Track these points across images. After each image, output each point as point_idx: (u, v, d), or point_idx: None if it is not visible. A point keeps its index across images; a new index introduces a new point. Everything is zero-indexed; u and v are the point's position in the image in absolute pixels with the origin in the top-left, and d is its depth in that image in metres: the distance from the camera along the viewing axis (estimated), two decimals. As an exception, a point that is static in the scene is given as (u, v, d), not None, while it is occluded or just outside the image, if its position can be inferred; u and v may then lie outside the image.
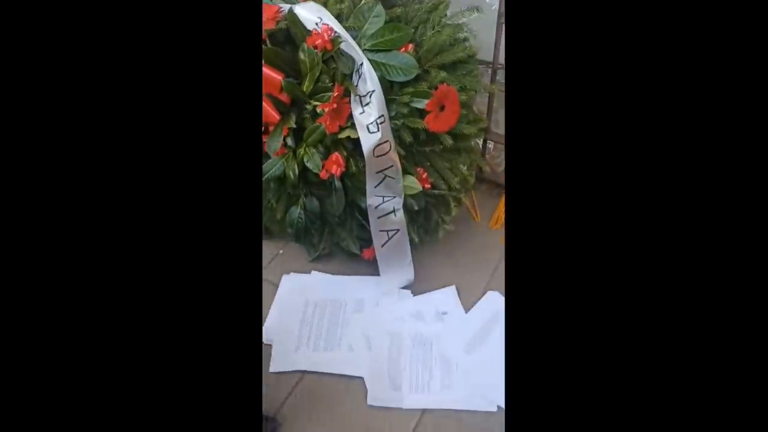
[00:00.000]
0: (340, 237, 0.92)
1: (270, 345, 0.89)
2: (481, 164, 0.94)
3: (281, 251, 1.06)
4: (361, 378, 0.85)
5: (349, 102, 0.77)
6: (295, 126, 0.78)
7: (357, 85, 0.76)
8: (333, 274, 1.01)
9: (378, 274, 0.97)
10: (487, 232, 1.06)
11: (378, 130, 0.75)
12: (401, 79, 0.78)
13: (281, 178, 0.80)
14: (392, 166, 0.78)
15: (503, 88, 0.90)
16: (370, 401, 0.82)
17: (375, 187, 0.79)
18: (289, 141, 0.78)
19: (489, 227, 1.06)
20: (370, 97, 0.75)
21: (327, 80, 0.77)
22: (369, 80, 0.75)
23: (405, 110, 0.78)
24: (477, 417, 0.80)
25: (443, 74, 0.78)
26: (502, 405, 0.80)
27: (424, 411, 0.81)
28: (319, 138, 0.76)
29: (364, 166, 0.78)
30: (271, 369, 0.86)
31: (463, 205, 1.02)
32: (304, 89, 0.77)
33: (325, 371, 0.86)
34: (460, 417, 0.81)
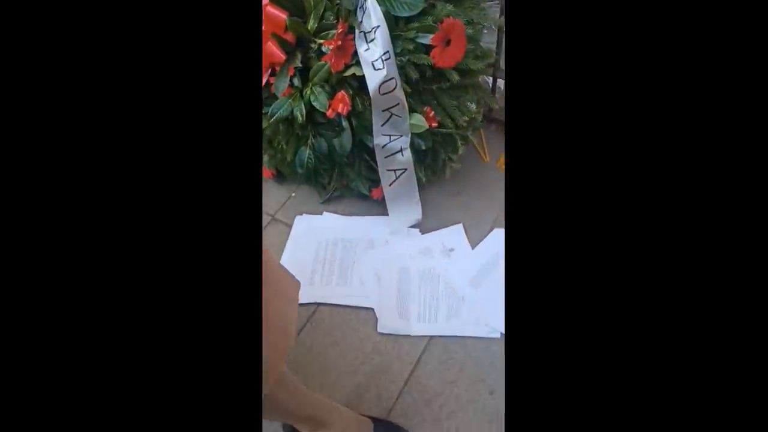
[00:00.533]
0: (349, 178, 0.95)
1: (285, 280, 0.95)
2: (490, 102, 0.94)
3: (293, 194, 1.09)
4: (372, 309, 0.90)
5: (354, 39, 0.77)
6: (301, 65, 0.78)
7: (361, 21, 0.76)
8: (344, 215, 1.05)
9: (387, 214, 1.00)
10: (495, 172, 1.07)
11: (383, 67, 0.75)
12: (406, 13, 0.77)
13: (289, 120, 0.82)
14: (398, 103, 0.79)
15: (495, 23, 0.88)
16: (380, 329, 0.88)
17: (381, 125, 0.80)
18: (296, 81, 0.79)
19: (497, 167, 1.08)
20: (375, 33, 0.74)
21: (331, 17, 0.77)
22: (374, 16, 0.74)
23: (411, 46, 0.78)
24: (481, 343, 0.86)
25: (449, 7, 0.77)
26: (505, 332, 0.85)
27: (431, 338, 0.87)
28: (324, 76, 0.76)
29: (370, 105, 0.79)
30: (287, 302, 0.92)
31: (471, 143, 1.02)
32: (309, 27, 0.77)
33: (337, 303, 0.92)
34: (465, 343, 0.86)
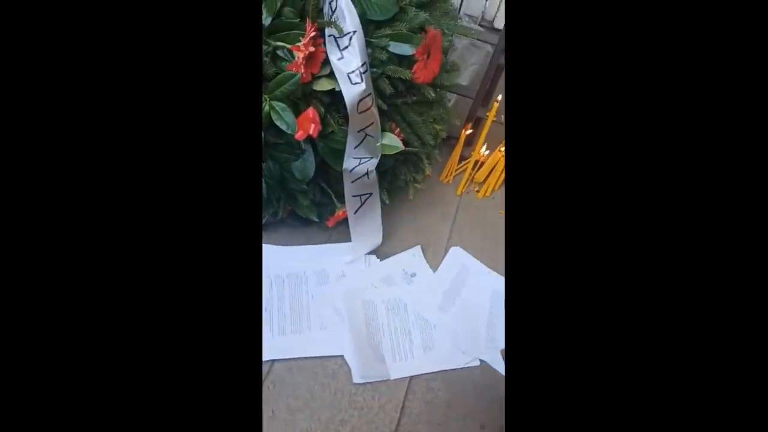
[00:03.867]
0: (300, 206, 0.80)
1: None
2: (450, 117, 0.88)
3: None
4: (340, 356, 0.78)
5: (324, 44, 0.63)
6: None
7: (332, 22, 0.62)
8: (284, 245, 0.89)
9: (335, 242, 0.88)
10: (442, 187, 1.03)
11: (362, 81, 0.63)
12: (379, 17, 0.66)
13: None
14: (373, 122, 0.68)
15: (466, 33, 0.83)
16: (356, 378, 0.76)
17: (355, 148, 0.68)
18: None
19: (444, 182, 1.04)
20: (351, 39, 0.62)
21: (292, 14, 0.62)
22: (349, 19, 0.61)
23: (383, 56, 0.67)
24: (462, 374, 0.81)
25: (424, 15, 0.68)
26: (484, 358, 0.82)
27: (411, 378, 0.79)
28: (291, 89, 0.61)
29: (342, 124, 0.66)
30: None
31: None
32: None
33: (298, 356, 0.77)
34: (447, 376, 0.81)
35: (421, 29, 0.68)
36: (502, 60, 0.85)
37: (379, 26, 0.67)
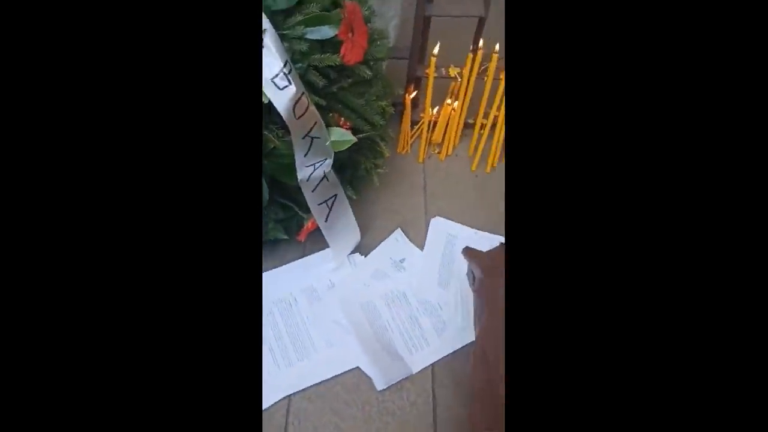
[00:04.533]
0: (265, 228, 0.73)
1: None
2: (392, 89, 0.81)
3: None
4: (357, 368, 0.75)
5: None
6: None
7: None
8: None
9: (311, 253, 0.83)
10: (403, 160, 0.97)
11: (289, 83, 0.55)
12: (284, 5, 0.57)
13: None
14: (316, 122, 0.61)
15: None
16: (380, 386, 0.73)
17: (305, 156, 0.61)
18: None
19: (399, 153, 0.98)
20: (264, 39, 0.53)
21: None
22: (252, 15, 0.52)
23: (303, 46, 0.59)
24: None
25: (331, -13, 0.60)
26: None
27: (433, 366, 0.76)
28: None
29: (285, 135, 0.59)
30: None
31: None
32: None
33: (312, 383, 0.73)
34: (466, 352, 0.78)
35: (335, 4, 0.60)
36: (428, 10, 0.78)
37: (288, 15, 0.59)
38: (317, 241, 0.81)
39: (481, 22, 0.81)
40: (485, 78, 0.88)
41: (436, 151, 0.99)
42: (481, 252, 0.67)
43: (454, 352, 0.77)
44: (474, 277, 0.66)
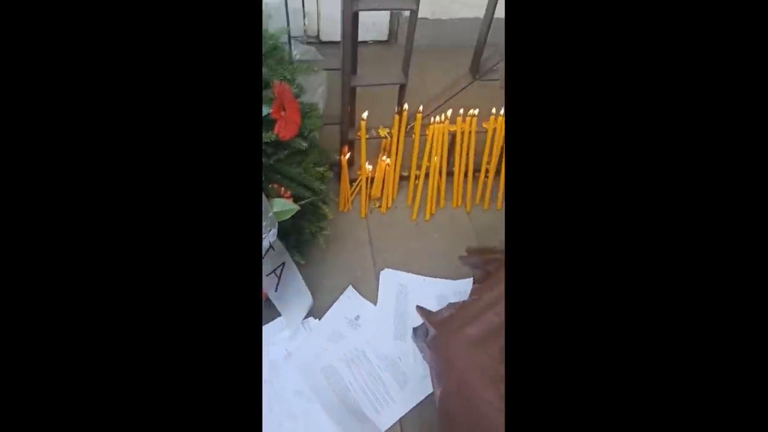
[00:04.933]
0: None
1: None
2: (328, 155, 0.84)
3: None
4: (324, 436, 0.73)
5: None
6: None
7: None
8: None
9: (264, 322, 0.81)
10: (345, 217, 1.00)
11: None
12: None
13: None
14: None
15: (308, 68, 0.80)
16: (350, 451, 0.71)
17: (249, 230, 0.62)
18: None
19: (341, 212, 1.00)
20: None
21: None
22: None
23: (238, 126, 0.62)
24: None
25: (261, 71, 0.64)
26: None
27: (401, 421, 0.76)
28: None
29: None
30: None
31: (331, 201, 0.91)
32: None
33: (280, 461, 0.70)
34: (432, 400, 0.79)
35: (264, 85, 0.63)
36: (354, 81, 0.84)
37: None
38: (268, 308, 0.80)
39: (402, 88, 0.88)
40: (413, 135, 0.95)
41: (377, 205, 1.03)
42: (432, 312, 0.70)
43: (420, 402, 0.78)
44: (427, 332, 0.68)
